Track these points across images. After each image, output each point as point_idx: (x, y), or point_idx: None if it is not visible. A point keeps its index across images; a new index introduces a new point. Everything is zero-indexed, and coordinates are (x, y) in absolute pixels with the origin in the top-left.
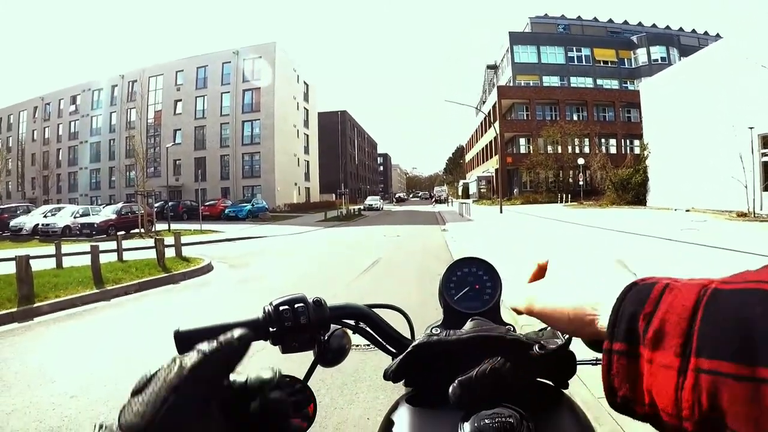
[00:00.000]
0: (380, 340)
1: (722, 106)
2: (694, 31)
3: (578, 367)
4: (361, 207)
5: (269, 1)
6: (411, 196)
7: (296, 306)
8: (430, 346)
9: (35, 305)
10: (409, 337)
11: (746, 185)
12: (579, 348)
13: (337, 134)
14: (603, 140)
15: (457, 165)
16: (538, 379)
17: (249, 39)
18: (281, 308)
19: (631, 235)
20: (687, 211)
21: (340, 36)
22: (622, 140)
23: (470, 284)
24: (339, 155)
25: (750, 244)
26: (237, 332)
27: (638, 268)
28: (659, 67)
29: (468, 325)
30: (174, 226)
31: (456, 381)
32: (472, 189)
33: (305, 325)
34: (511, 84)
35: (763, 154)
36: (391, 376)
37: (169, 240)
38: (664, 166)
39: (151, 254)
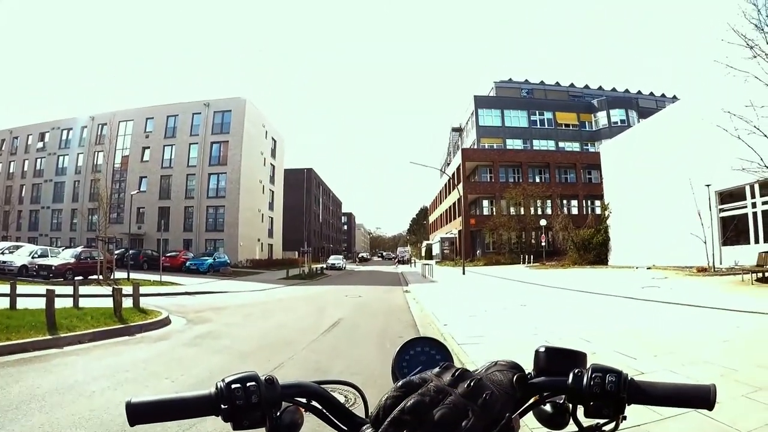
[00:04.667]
0: (332, 417)
1: (680, 165)
2: (651, 93)
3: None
4: (324, 266)
5: (241, 55)
6: (375, 256)
7: (248, 384)
8: None
9: None
10: (363, 412)
11: (705, 241)
12: None
13: (303, 191)
14: (565, 201)
15: (420, 226)
16: None
17: (219, 92)
18: (233, 386)
19: (593, 294)
20: (648, 268)
21: (309, 93)
22: (584, 201)
23: (423, 363)
24: (303, 212)
25: (709, 298)
26: None
27: (604, 329)
28: (619, 129)
29: None
30: (133, 275)
31: None
32: (436, 250)
33: (256, 404)
34: (476, 146)
35: (721, 210)
36: None
37: (128, 289)
38: (624, 225)
39: (108, 303)
